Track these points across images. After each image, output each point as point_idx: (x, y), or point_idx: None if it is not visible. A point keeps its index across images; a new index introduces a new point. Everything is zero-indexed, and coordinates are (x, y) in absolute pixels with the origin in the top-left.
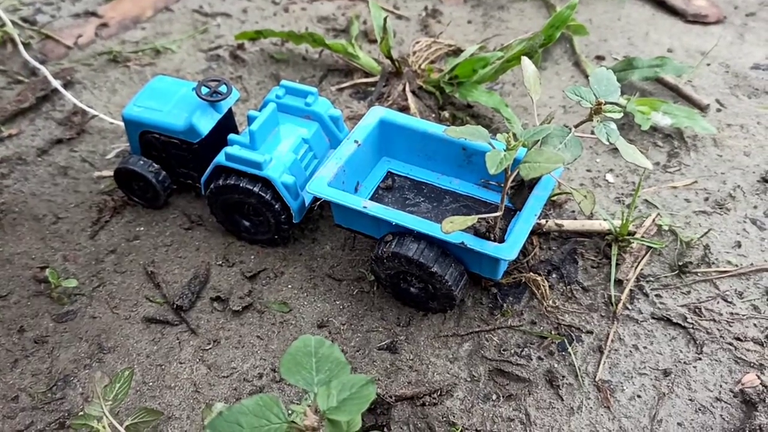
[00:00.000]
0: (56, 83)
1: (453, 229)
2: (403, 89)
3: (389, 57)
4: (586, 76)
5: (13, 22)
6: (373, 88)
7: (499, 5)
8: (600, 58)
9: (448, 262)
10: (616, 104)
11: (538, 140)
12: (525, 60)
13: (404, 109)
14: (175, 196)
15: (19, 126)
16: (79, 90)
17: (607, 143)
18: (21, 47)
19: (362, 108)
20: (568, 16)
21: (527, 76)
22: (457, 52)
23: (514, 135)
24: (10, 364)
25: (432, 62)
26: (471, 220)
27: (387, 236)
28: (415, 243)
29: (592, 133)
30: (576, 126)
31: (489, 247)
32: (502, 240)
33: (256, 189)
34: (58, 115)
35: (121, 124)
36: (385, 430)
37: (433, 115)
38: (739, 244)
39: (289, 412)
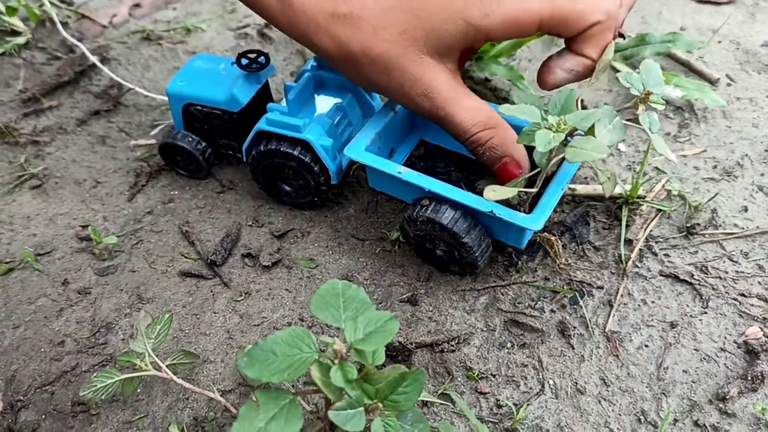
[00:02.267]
0: (94, 59)
1: (495, 197)
2: None
3: None
4: None
5: (51, 3)
6: None
7: None
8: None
9: (478, 233)
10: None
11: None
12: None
13: None
14: None
15: (59, 99)
16: (114, 66)
17: (650, 132)
18: (59, 26)
19: None
20: None
21: (604, 59)
22: None
23: (565, 118)
24: (56, 313)
25: None
26: (512, 191)
27: (424, 200)
28: (450, 211)
29: (629, 119)
30: (619, 110)
31: (517, 218)
32: (530, 210)
33: (296, 152)
34: (95, 89)
35: (155, 97)
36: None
37: None
38: (745, 209)
39: (321, 343)
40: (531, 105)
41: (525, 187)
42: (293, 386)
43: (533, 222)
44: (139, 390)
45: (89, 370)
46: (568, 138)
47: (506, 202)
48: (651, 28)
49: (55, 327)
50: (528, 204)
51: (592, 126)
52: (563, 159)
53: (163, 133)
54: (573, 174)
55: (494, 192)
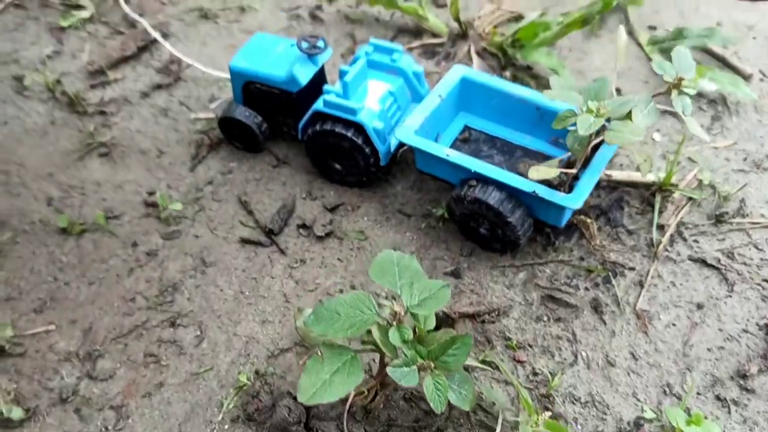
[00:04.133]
0: (156, 34)
1: (539, 176)
2: (468, 50)
3: (457, 20)
4: (639, 44)
5: None
6: (440, 49)
7: None
8: (652, 28)
9: (521, 213)
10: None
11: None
12: (621, 29)
13: None
14: None
15: (123, 72)
16: (174, 42)
17: (683, 115)
18: (122, 1)
19: (431, 66)
20: None
21: (619, 44)
22: (518, 18)
23: (604, 104)
24: (126, 272)
25: (495, 27)
26: (554, 172)
27: (471, 181)
28: (497, 192)
29: (658, 103)
30: (654, 96)
31: (558, 197)
32: (569, 191)
33: (349, 134)
34: (156, 64)
35: (213, 72)
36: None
37: (496, 75)
38: None
39: (380, 306)
40: (571, 91)
41: (564, 169)
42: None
43: (573, 201)
44: (204, 344)
45: (158, 326)
46: (605, 123)
47: (547, 184)
48: (688, 22)
49: (126, 285)
50: (567, 186)
51: (629, 112)
52: (599, 144)
53: (221, 108)
54: (610, 158)
55: (537, 171)
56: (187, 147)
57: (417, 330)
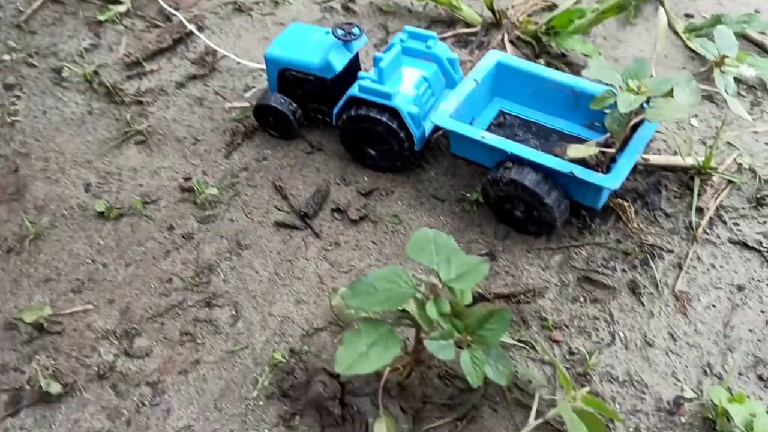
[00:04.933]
0: (191, 27)
1: (578, 154)
2: (502, 39)
3: (491, 9)
4: (675, 32)
5: None
6: (473, 38)
7: None
8: (689, 16)
9: (558, 194)
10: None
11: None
12: (661, 11)
13: None
14: None
15: (159, 63)
16: (208, 35)
17: (726, 94)
18: None
19: (464, 55)
20: None
21: (660, 26)
22: (552, 7)
23: (644, 82)
24: (163, 254)
25: (529, 15)
26: (593, 150)
27: (507, 163)
28: (533, 173)
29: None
30: (696, 75)
31: (596, 177)
32: (607, 172)
33: (384, 118)
34: (191, 56)
35: (247, 63)
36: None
37: None
38: None
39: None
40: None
41: (603, 148)
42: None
43: (611, 181)
44: (240, 323)
45: (194, 306)
46: (645, 104)
47: (584, 164)
48: (726, 9)
49: (162, 267)
50: (605, 166)
51: (670, 91)
52: (638, 126)
53: (255, 97)
54: (649, 139)
55: (576, 150)
56: (222, 135)
57: (454, 305)
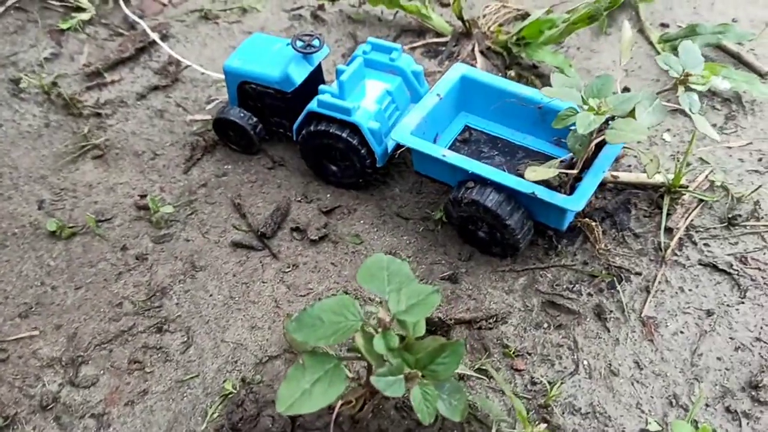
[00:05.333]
0: (154, 36)
1: (536, 177)
2: (472, 49)
3: (461, 18)
4: (650, 43)
5: None
6: (443, 48)
7: None
8: (664, 25)
9: (520, 215)
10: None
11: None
12: (626, 24)
13: None
14: None
15: (120, 73)
16: (173, 43)
17: (690, 112)
18: (122, 3)
19: (433, 66)
20: None
21: (624, 39)
22: (524, 16)
23: (605, 101)
24: (115, 276)
25: (500, 25)
26: (552, 172)
27: (468, 182)
28: (495, 194)
29: (668, 100)
30: (659, 93)
31: (558, 198)
32: (571, 193)
33: (344, 134)
34: (154, 65)
35: (211, 74)
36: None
37: (500, 75)
38: None
39: (364, 311)
40: (571, 88)
41: (565, 169)
42: (336, 353)
43: (574, 203)
44: (191, 350)
45: (145, 332)
46: (609, 122)
47: (547, 184)
48: (702, 18)
49: (113, 289)
50: (569, 187)
51: (634, 109)
52: (603, 144)
53: (217, 109)
54: (614, 158)
55: (534, 172)
56: (182, 149)
57: (405, 337)
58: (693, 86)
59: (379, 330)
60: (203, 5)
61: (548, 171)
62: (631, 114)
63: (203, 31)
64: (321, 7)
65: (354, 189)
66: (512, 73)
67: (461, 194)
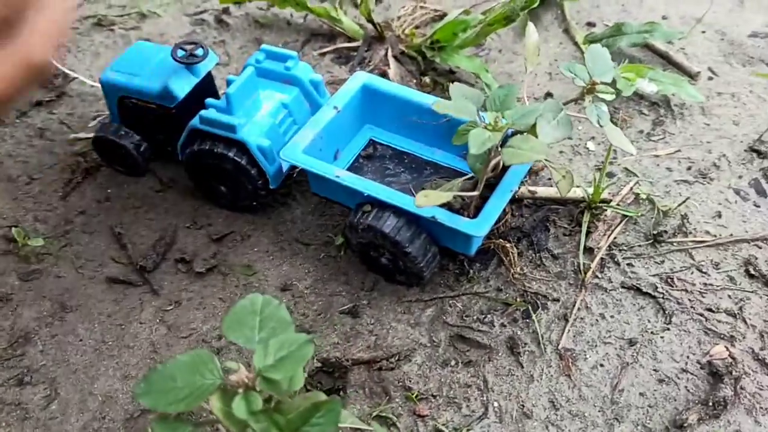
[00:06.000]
0: None
1: (426, 204)
2: (385, 54)
3: (370, 21)
4: (575, 43)
5: None
6: (355, 53)
7: None
8: (591, 24)
9: (423, 242)
10: (610, 85)
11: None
12: (530, 27)
13: (385, 75)
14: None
15: None
16: (61, 53)
17: (597, 126)
18: None
19: (344, 73)
20: None
21: (528, 44)
22: (443, 17)
23: (502, 115)
24: None
25: (417, 27)
26: (446, 196)
27: (366, 206)
28: (393, 219)
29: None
30: (566, 103)
31: (460, 223)
32: (476, 215)
33: (231, 154)
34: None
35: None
36: (340, 393)
37: (415, 81)
38: (719, 214)
39: (225, 369)
40: (469, 100)
41: (465, 191)
42: (200, 415)
43: (476, 227)
44: (54, 405)
45: (3, 385)
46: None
47: (449, 207)
48: (631, 16)
49: None
50: (473, 208)
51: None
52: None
53: (97, 127)
54: (524, 176)
55: (426, 198)
56: (61, 172)
57: (276, 396)
58: (601, 95)
59: (241, 390)
60: (98, 11)
61: (441, 195)
62: (534, 129)
63: (97, 39)
64: (226, 11)
65: (249, 213)
66: (427, 79)
67: (358, 219)
